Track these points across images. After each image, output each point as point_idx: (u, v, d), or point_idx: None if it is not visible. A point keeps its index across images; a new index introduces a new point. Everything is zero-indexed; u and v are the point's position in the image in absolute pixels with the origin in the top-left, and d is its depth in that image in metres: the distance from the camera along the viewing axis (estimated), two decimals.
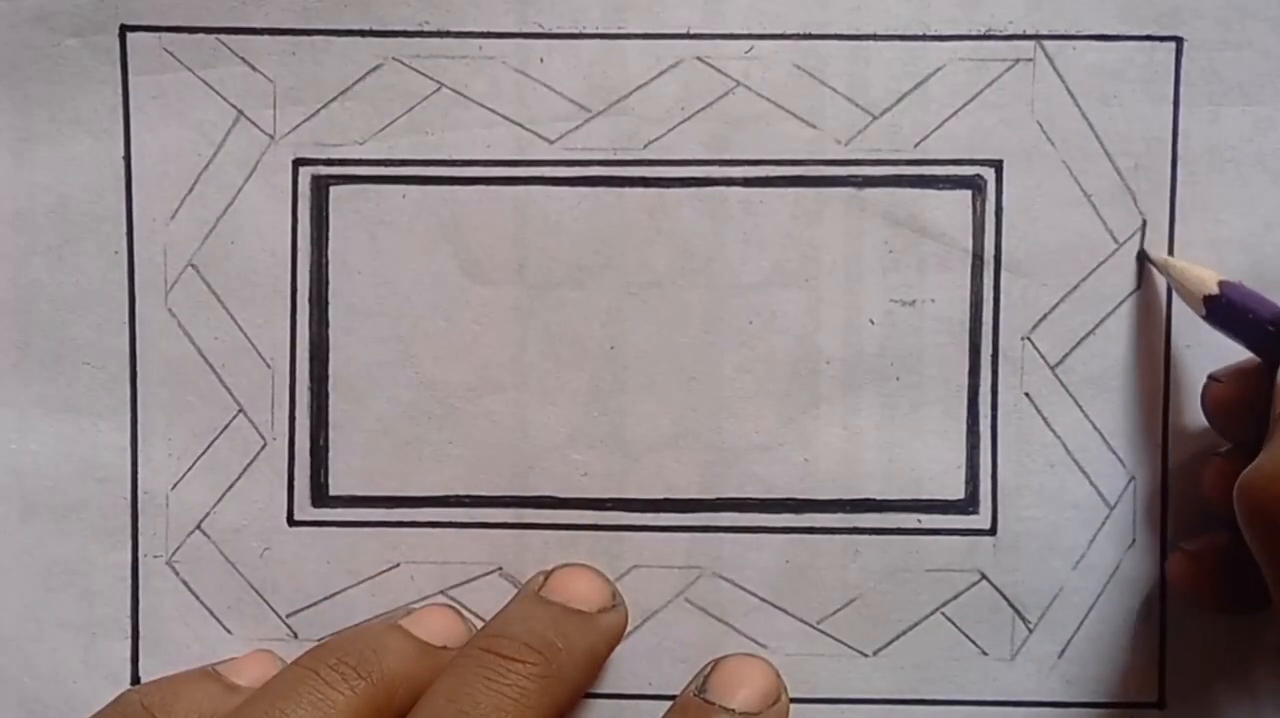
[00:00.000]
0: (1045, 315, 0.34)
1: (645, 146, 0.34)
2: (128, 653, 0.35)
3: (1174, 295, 0.34)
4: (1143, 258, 0.34)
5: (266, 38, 0.34)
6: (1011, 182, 0.34)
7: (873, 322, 0.34)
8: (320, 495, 0.35)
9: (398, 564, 0.35)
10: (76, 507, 0.35)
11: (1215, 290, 0.32)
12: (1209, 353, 0.34)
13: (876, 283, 0.34)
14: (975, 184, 0.34)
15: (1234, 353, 0.33)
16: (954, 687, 0.35)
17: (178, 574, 0.35)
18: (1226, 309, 0.32)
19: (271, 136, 0.34)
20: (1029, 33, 0.34)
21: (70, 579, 0.35)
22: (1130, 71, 0.34)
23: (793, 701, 0.34)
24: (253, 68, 0.34)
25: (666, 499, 0.35)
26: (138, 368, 0.35)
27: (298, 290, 0.34)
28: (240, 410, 0.35)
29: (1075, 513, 0.34)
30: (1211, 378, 0.33)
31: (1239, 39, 0.34)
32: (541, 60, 0.34)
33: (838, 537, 0.35)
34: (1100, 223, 0.34)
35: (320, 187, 0.34)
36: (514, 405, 0.34)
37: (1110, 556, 0.34)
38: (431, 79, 0.34)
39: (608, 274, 0.34)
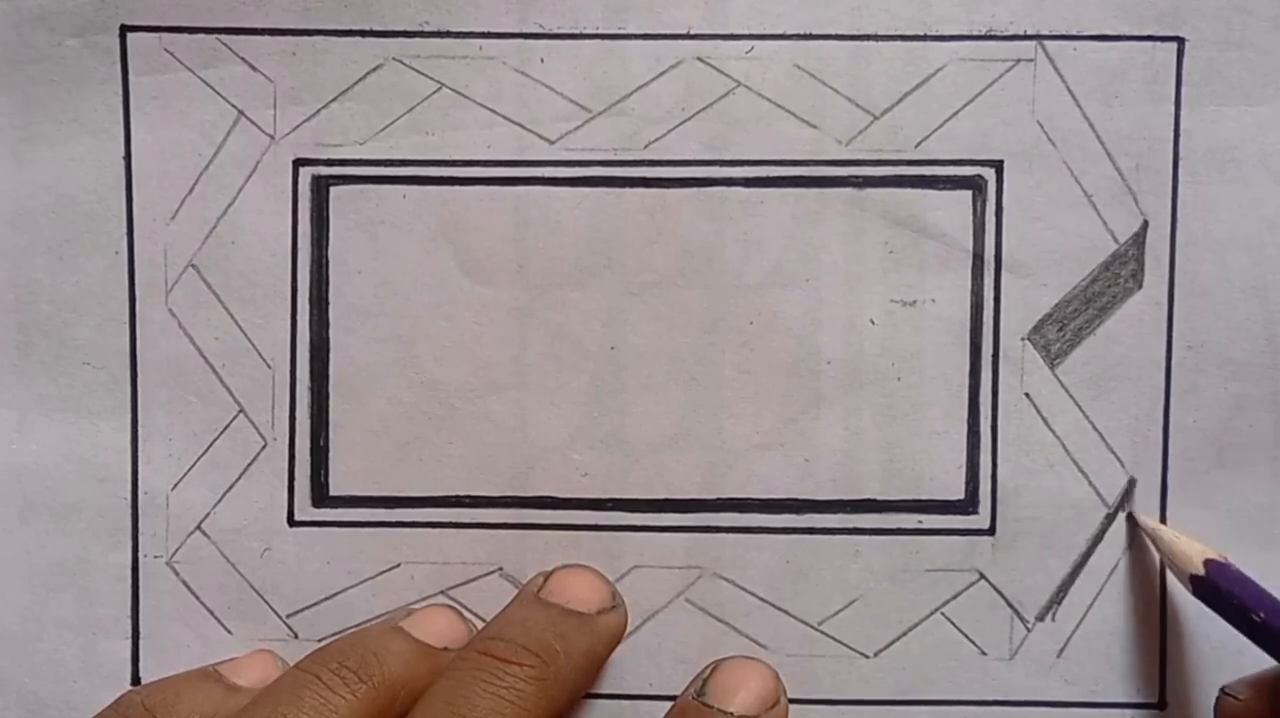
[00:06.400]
0: (1045, 315, 0.34)
1: (645, 147, 0.34)
2: (128, 653, 0.35)
3: (1175, 297, 0.34)
4: (1131, 521, 0.34)
5: (266, 38, 0.34)
6: (1012, 182, 0.34)
7: (873, 322, 0.34)
8: (320, 496, 0.35)
9: (398, 564, 0.35)
10: (76, 507, 0.35)
11: (1201, 571, 0.31)
12: (1210, 355, 0.34)
13: (877, 283, 0.34)
14: (976, 184, 0.34)
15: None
16: (954, 687, 0.35)
17: (178, 574, 0.35)
18: (1213, 592, 0.30)
19: (272, 136, 0.34)
20: (1030, 33, 0.34)
21: (70, 579, 0.35)
22: (1131, 71, 0.34)
23: (793, 702, 0.34)
24: (253, 68, 0.34)
25: (666, 499, 0.35)
26: (138, 368, 0.35)
27: (298, 290, 0.34)
28: (240, 410, 0.35)
29: (1074, 513, 0.34)
30: (1225, 692, 0.31)
31: (1240, 39, 0.34)
32: (542, 60, 0.34)
33: (838, 537, 0.35)
34: (1101, 223, 0.34)
35: (320, 187, 0.34)
36: (514, 406, 0.34)
37: (1109, 556, 0.34)
38: (432, 79, 0.34)
39: (608, 274, 0.34)
